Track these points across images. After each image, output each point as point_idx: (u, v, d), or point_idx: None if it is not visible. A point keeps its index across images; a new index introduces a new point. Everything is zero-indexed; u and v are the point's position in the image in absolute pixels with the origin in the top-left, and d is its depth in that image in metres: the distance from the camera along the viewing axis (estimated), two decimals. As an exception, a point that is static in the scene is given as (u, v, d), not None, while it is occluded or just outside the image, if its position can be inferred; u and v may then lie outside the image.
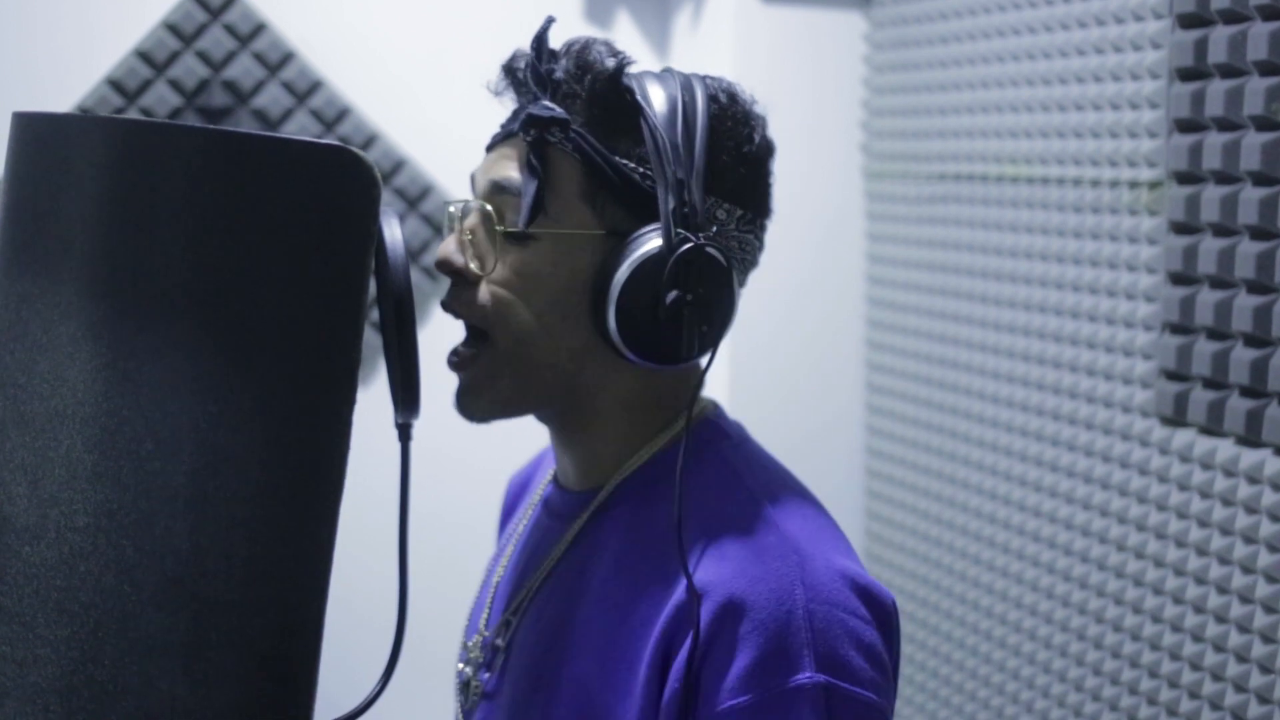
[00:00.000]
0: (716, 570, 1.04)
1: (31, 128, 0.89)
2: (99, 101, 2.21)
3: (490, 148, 1.17)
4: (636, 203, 1.09)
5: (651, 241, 1.07)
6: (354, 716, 0.97)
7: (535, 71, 1.12)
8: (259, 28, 2.30)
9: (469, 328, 1.15)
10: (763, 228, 1.18)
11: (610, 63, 1.11)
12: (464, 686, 1.23)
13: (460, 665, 1.25)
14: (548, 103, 1.10)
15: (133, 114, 2.22)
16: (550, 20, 1.14)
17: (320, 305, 0.87)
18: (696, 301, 1.07)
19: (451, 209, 1.17)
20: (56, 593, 0.85)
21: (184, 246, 0.84)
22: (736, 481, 1.13)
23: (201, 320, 0.85)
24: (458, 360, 1.15)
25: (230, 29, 2.28)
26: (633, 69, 1.13)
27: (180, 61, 2.26)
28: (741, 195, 1.13)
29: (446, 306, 1.15)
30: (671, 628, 1.04)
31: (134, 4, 2.24)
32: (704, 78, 1.15)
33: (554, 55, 1.13)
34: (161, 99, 2.24)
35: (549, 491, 1.25)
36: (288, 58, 2.32)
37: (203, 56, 2.27)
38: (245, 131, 0.86)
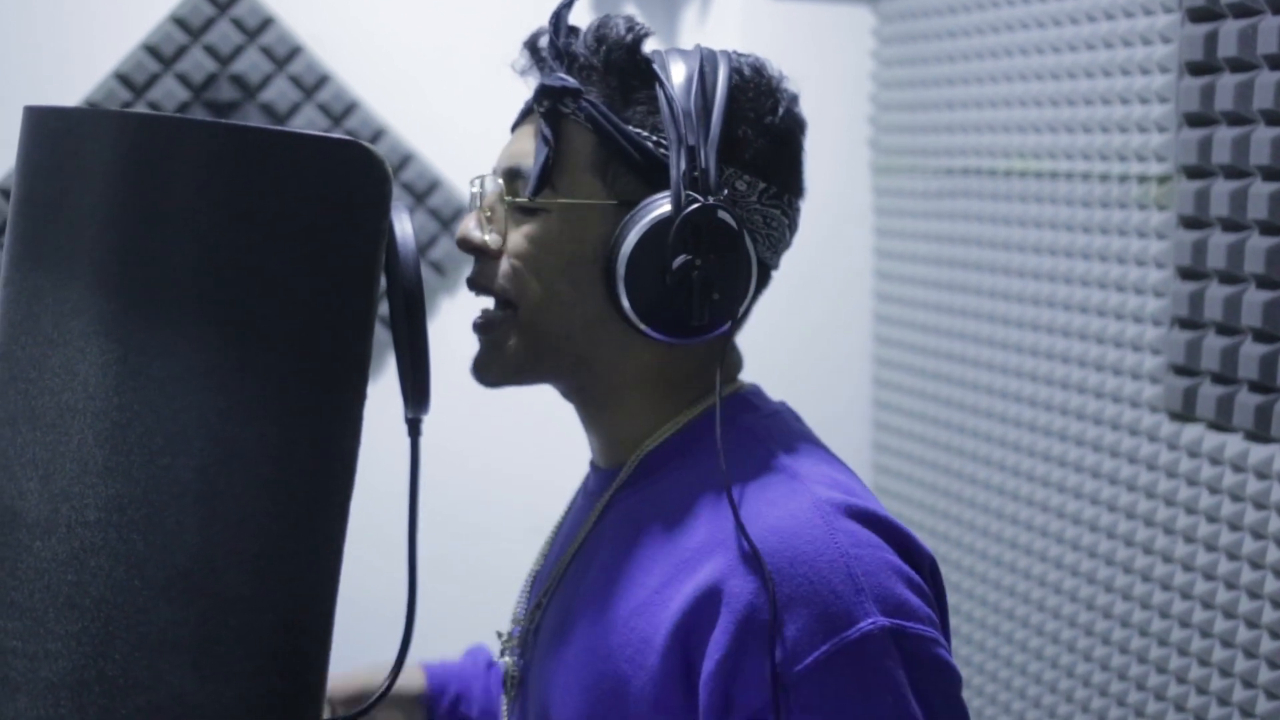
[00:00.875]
0: (749, 534, 1.01)
1: (42, 122, 0.88)
2: (107, 96, 2.21)
3: (514, 127, 1.18)
4: (650, 172, 1.09)
5: (661, 207, 1.06)
6: (364, 712, 0.97)
7: (553, 46, 1.12)
8: (267, 21, 2.30)
9: (497, 299, 1.15)
10: (793, 206, 1.15)
11: (627, 34, 1.11)
12: (506, 677, 1.22)
13: (503, 659, 1.24)
14: (561, 74, 1.11)
15: (140, 108, 2.22)
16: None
17: (331, 300, 0.87)
18: (706, 267, 1.06)
19: (474, 188, 1.17)
20: (67, 587, 0.85)
21: (194, 241, 0.84)
22: (757, 444, 1.10)
23: (212, 315, 0.85)
24: (482, 321, 1.15)
25: (238, 23, 2.28)
26: (654, 44, 1.13)
27: (188, 55, 2.26)
28: (764, 168, 1.11)
29: (471, 282, 1.16)
30: (701, 601, 1.01)
31: (142, -2, 2.24)
32: (731, 53, 1.14)
33: (573, 30, 1.13)
34: (169, 93, 2.24)
35: (588, 476, 1.24)
36: (295, 52, 2.32)
37: (210, 50, 2.27)
38: (257, 126, 0.86)
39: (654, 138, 1.09)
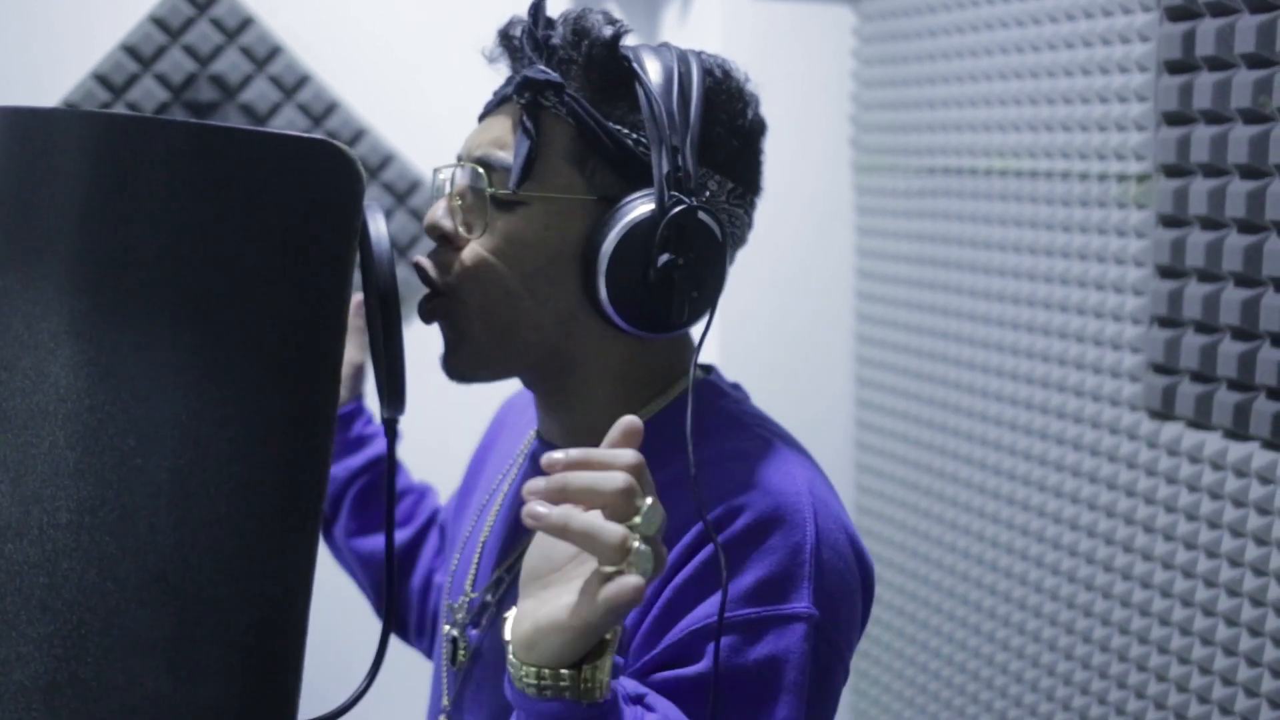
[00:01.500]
0: (735, 500, 1.05)
1: (12, 122, 0.88)
2: (86, 96, 2.21)
3: (483, 116, 1.17)
4: (629, 169, 1.10)
5: (643, 206, 1.08)
6: (341, 712, 0.97)
7: (532, 37, 1.12)
8: (246, 22, 2.29)
9: (429, 285, 1.14)
10: (752, 205, 1.18)
11: (607, 30, 1.11)
12: (451, 647, 1.22)
13: (446, 628, 1.24)
14: (543, 67, 1.11)
15: (120, 109, 2.22)
16: None
17: (303, 300, 0.86)
18: (688, 266, 1.08)
19: (441, 175, 1.17)
20: (39, 590, 0.84)
21: (165, 241, 0.84)
22: (742, 426, 1.14)
23: (183, 316, 0.84)
24: (427, 309, 1.15)
25: (217, 23, 2.27)
26: (629, 40, 1.13)
27: (167, 56, 2.25)
28: (733, 169, 1.14)
29: (419, 267, 1.14)
30: (686, 548, 1.05)
31: (120, -2, 2.23)
32: (699, 53, 1.15)
33: (550, 22, 1.13)
34: (148, 93, 2.24)
35: (535, 448, 1.24)
36: (275, 52, 2.32)
37: (190, 51, 2.26)
38: (226, 125, 0.86)
39: (634, 135, 1.10)
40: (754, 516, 1.04)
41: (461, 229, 1.13)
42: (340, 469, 1.47)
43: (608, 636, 0.91)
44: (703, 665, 1.00)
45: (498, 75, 1.21)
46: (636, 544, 0.87)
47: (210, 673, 0.86)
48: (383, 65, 2.41)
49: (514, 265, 1.11)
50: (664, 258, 1.07)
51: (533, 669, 0.91)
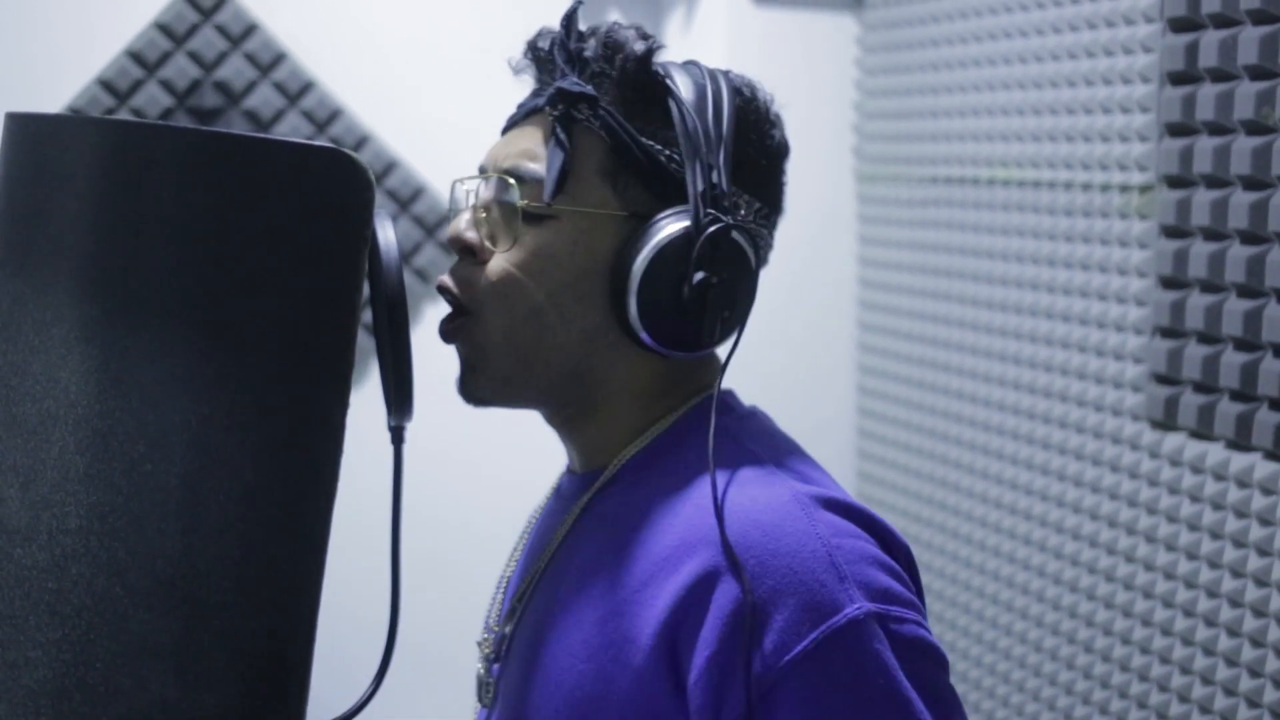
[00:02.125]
0: (730, 529, 1.01)
1: (24, 128, 0.88)
2: (90, 102, 2.21)
3: (508, 127, 1.16)
4: (661, 185, 1.08)
5: (676, 223, 1.06)
6: (350, 715, 0.97)
7: (564, 48, 1.11)
8: (251, 28, 2.30)
9: (453, 304, 1.12)
10: (775, 225, 1.18)
11: (640, 45, 1.10)
12: (480, 685, 1.21)
13: (478, 666, 1.23)
14: (576, 79, 1.09)
15: (124, 114, 2.22)
16: (580, 1, 1.13)
17: (314, 307, 0.86)
18: (722, 285, 1.07)
19: (465, 186, 1.15)
20: (48, 595, 0.84)
21: (176, 249, 0.84)
22: (733, 442, 1.11)
23: (194, 322, 0.84)
24: (448, 329, 1.13)
25: (222, 29, 2.28)
26: (662, 55, 1.13)
27: (172, 62, 2.25)
28: (761, 189, 1.13)
29: (441, 284, 1.12)
30: (687, 597, 1.00)
31: (125, 4, 2.24)
32: (726, 72, 1.15)
33: (583, 35, 1.12)
34: (153, 99, 2.24)
35: (561, 479, 1.24)
36: (279, 58, 2.32)
37: (194, 57, 2.27)
38: (239, 133, 0.86)
39: (667, 151, 1.09)
40: (756, 556, 0.99)
41: (487, 242, 1.11)
42: None
43: None
44: (784, 713, 0.96)
45: (502, 82, 1.20)
46: None
47: (218, 679, 0.86)
48: (386, 72, 2.41)
49: (541, 281, 1.09)
50: (699, 276, 1.05)
51: None
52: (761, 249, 1.14)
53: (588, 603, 1.08)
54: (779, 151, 1.16)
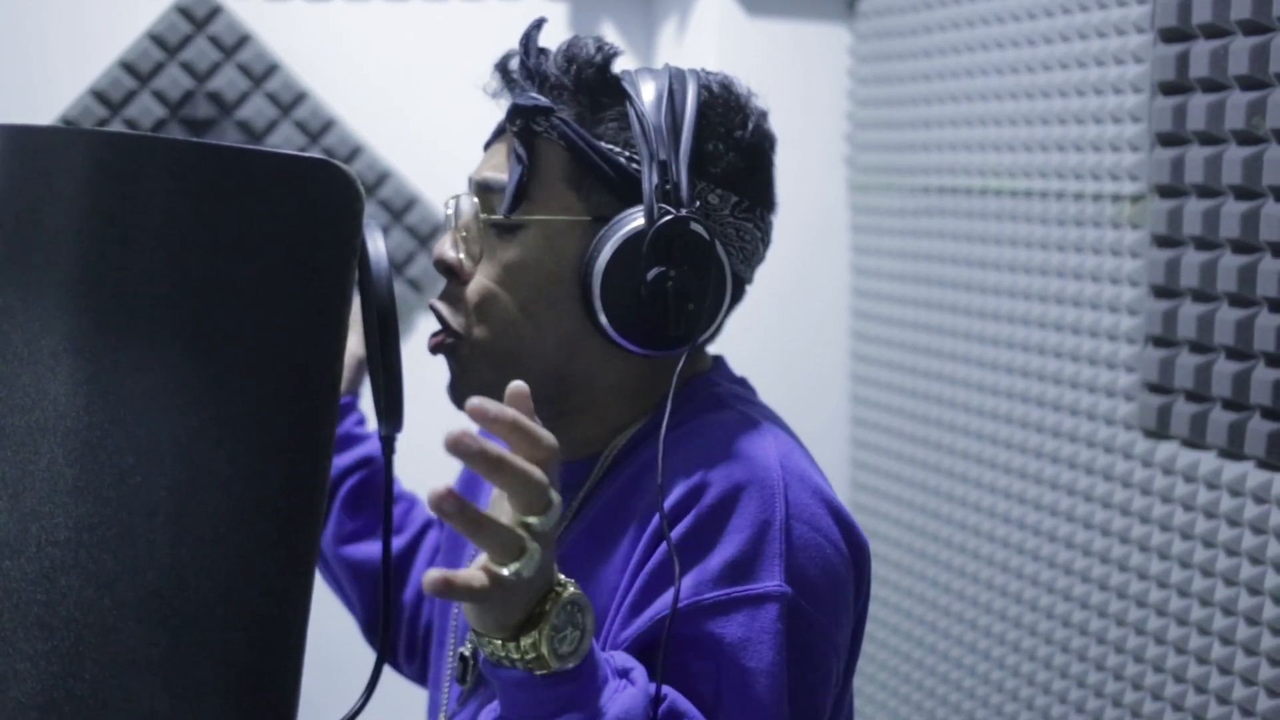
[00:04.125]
0: (704, 473, 1.06)
1: (13, 140, 0.88)
2: (83, 112, 2.21)
3: (486, 146, 1.19)
4: (623, 187, 1.11)
5: (635, 220, 1.08)
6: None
7: (524, 66, 1.14)
8: (244, 39, 2.30)
9: (442, 325, 1.16)
10: (765, 219, 1.18)
11: (595, 54, 1.13)
12: (461, 665, 1.22)
13: (460, 649, 1.24)
14: (533, 93, 1.12)
15: (117, 125, 2.22)
16: (541, 20, 1.16)
17: (303, 319, 0.86)
18: (680, 278, 1.08)
19: (448, 209, 1.18)
20: (37, 607, 0.84)
21: (165, 260, 0.84)
22: (722, 406, 1.15)
23: (183, 334, 0.84)
24: (434, 344, 1.16)
25: (215, 40, 2.28)
26: (624, 64, 1.15)
27: (164, 73, 2.25)
28: (736, 182, 1.14)
29: (432, 305, 1.17)
30: (655, 534, 1.06)
31: (118, 14, 2.24)
32: (699, 71, 1.16)
33: (543, 52, 1.15)
34: (146, 110, 2.24)
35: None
36: (272, 69, 2.32)
37: (187, 68, 2.27)
38: (227, 144, 0.86)
39: (626, 153, 1.11)
40: (718, 493, 1.05)
41: (465, 259, 1.14)
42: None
43: (545, 607, 0.92)
44: (688, 650, 1.01)
45: (491, 101, 1.22)
46: (531, 545, 0.87)
47: (207, 691, 0.86)
48: (380, 83, 2.41)
49: (514, 291, 1.12)
50: (654, 271, 1.07)
51: (484, 639, 0.93)
52: (745, 243, 1.16)
53: (591, 578, 1.11)
54: (754, 143, 1.16)
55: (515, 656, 0.92)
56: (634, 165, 1.10)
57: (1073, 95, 1.91)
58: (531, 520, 0.88)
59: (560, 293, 1.11)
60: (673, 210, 1.07)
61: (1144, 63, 1.77)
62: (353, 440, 1.46)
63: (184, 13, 2.26)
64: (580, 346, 1.13)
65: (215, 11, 2.28)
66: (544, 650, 0.92)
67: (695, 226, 1.08)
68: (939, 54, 2.25)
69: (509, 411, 0.88)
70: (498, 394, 1.13)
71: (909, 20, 2.33)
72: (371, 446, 1.47)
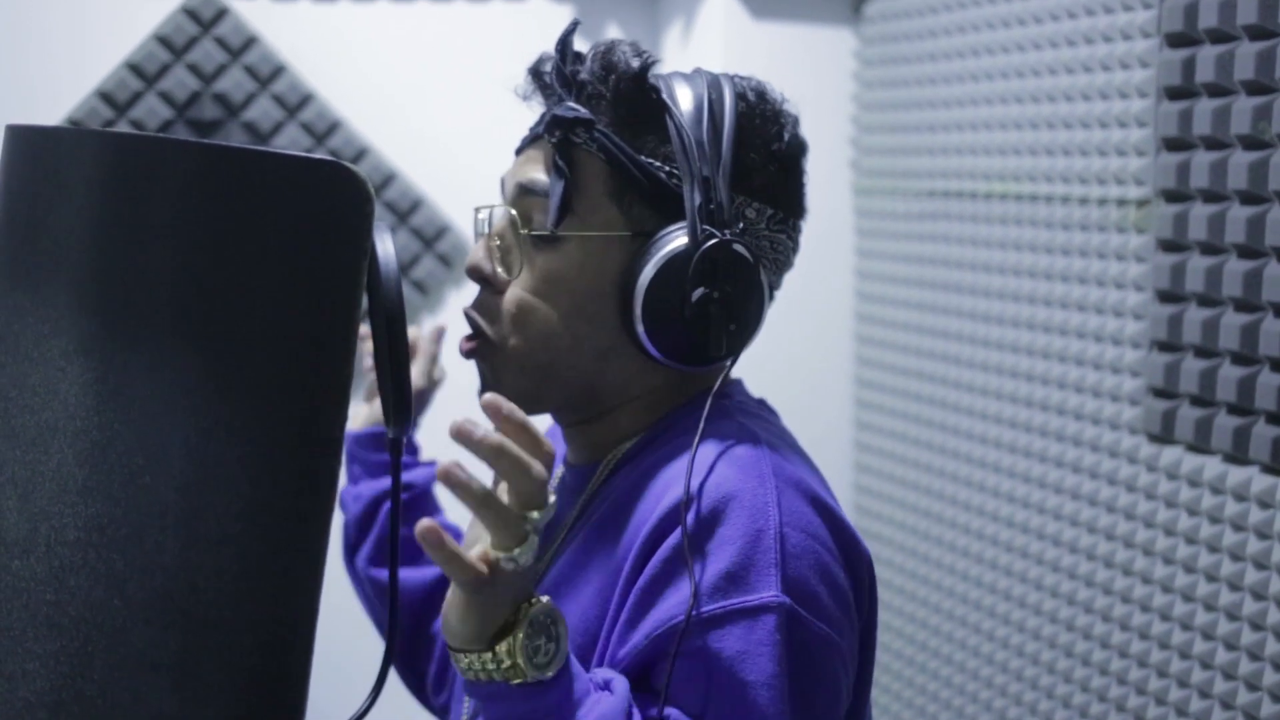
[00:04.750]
0: (696, 480, 1.05)
1: (24, 141, 0.88)
2: (89, 113, 2.21)
3: (519, 151, 1.18)
4: (663, 202, 1.10)
5: (677, 240, 1.08)
6: None
7: (560, 73, 1.12)
8: (250, 41, 2.30)
9: (476, 332, 1.15)
10: (796, 228, 1.18)
11: (634, 62, 1.11)
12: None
13: None
14: (572, 104, 1.11)
15: (123, 126, 2.22)
16: (576, 23, 1.15)
17: (313, 320, 0.86)
18: (724, 299, 1.08)
19: (480, 215, 1.17)
20: (46, 607, 0.84)
21: (175, 261, 0.84)
22: (726, 418, 1.13)
23: (193, 335, 0.84)
24: (468, 348, 1.16)
25: (221, 42, 2.28)
26: (659, 69, 1.13)
27: (171, 74, 2.26)
28: (772, 194, 1.14)
29: (468, 314, 1.16)
30: (655, 532, 1.05)
31: (125, 16, 2.24)
32: (733, 77, 1.15)
33: (579, 57, 1.13)
34: (152, 111, 2.24)
35: (564, 475, 1.25)
36: (279, 71, 2.33)
37: (193, 69, 2.27)
38: (238, 146, 0.86)
39: (666, 168, 1.10)
40: (708, 503, 1.03)
41: (500, 269, 1.14)
42: (368, 488, 1.47)
43: (518, 616, 0.92)
44: (680, 664, 1.00)
45: (500, 96, 1.21)
46: (532, 536, 0.89)
47: (215, 692, 0.86)
48: (385, 84, 2.42)
49: (554, 304, 1.11)
50: (699, 292, 1.07)
51: (460, 655, 0.94)
52: (778, 254, 1.15)
53: (583, 582, 1.11)
54: (790, 153, 1.16)
55: (491, 668, 0.93)
56: (674, 180, 1.09)
57: (1078, 100, 1.91)
58: (530, 514, 0.89)
59: (599, 307, 1.11)
60: (718, 234, 1.07)
61: (1150, 68, 1.77)
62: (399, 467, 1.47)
63: (190, 14, 2.26)
64: (614, 359, 1.13)
65: (222, 13, 2.28)
66: (519, 659, 0.92)
67: (738, 248, 1.08)
68: (944, 58, 2.25)
69: (519, 412, 0.89)
70: (530, 403, 1.14)
71: (914, 24, 2.33)
72: (416, 474, 1.47)
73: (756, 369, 2.46)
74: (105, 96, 2.22)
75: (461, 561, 0.88)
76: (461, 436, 0.86)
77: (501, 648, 0.92)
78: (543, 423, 1.20)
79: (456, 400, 1.19)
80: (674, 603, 1.01)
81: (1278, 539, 1.56)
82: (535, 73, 1.15)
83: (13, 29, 2.20)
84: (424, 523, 0.87)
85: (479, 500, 0.87)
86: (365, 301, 0.93)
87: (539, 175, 1.12)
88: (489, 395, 0.90)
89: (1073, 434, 1.95)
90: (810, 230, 2.65)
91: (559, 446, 1.29)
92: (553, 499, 0.90)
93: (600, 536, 1.12)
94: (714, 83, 1.12)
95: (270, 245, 0.85)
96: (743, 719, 0.99)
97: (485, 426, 0.89)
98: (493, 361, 1.14)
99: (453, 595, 0.93)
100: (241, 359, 0.85)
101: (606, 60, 1.11)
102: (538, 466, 0.89)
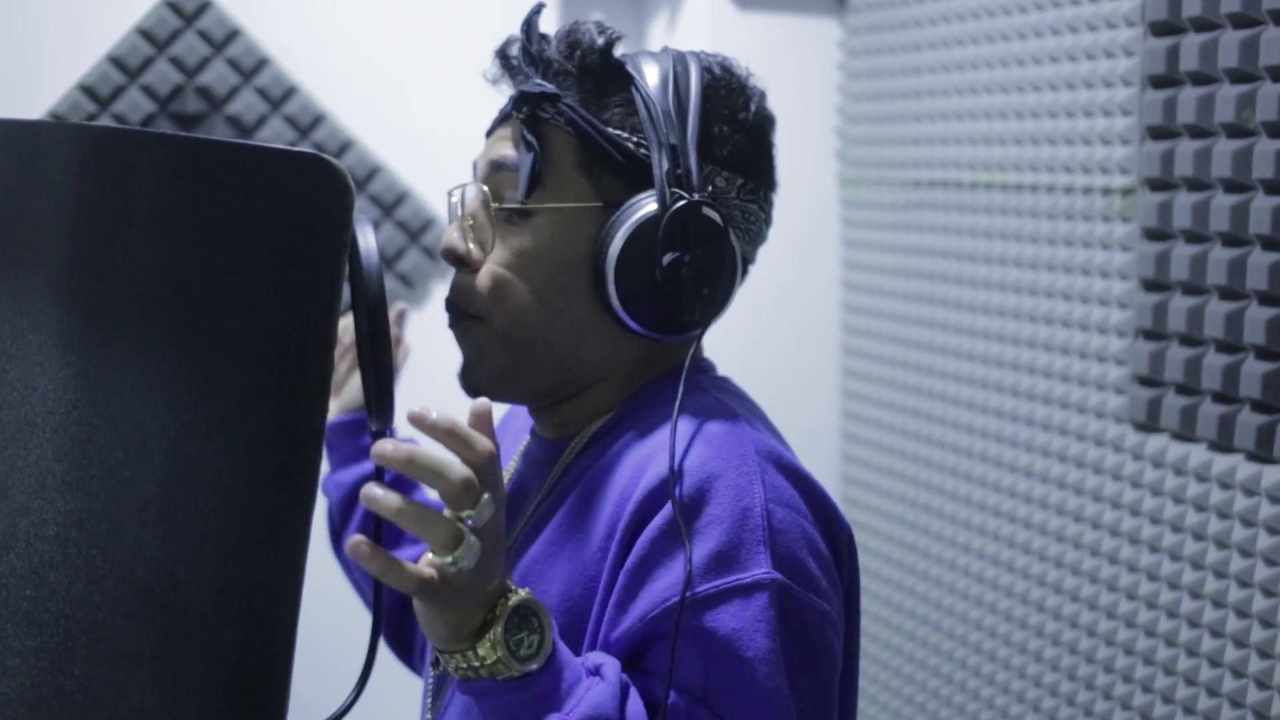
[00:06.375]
0: (677, 460, 1.05)
1: (3, 134, 0.88)
2: (72, 107, 2.20)
3: (489, 133, 1.18)
4: (633, 173, 1.10)
5: (647, 206, 1.08)
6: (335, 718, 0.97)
7: (527, 53, 1.13)
8: (233, 34, 2.30)
9: (455, 312, 1.15)
10: (767, 200, 1.18)
11: (599, 39, 1.12)
12: (435, 656, 1.22)
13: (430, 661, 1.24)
14: (538, 80, 1.12)
15: (106, 120, 2.22)
16: (541, 5, 1.16)
17: (293, 314, 0.86)
18: (695, 263, 1.08)
19: (453, 198, 1.17)
20: (26, 603, 0.84)
21: (154, 255, 0.84)
22: (703, 394, 1.14)
23: (172, 329, 0.84)
24: (453, 321, 1.17)
25: (204, 35, 2.28)
26: (625, 49, 1.15)
27: (154, 67, 2.25)
28: (740, 164, 1.14)
29: (450, 304, 1.16)
30: (640, 511, 1.05)
31: (108, 9, 2.23)
32: (699, 53, 1.16)
33: (544, 37, 1.15)
34: (135, 105, 2.23)
35: (530, 445, 1.25)
36: (262, 64, 2.32)
37: (176, 62, 2.26)
38: (217, 139, 0.85)
39: (634, 138, 1.11)
40: (692, 482, 1.04)
41: (474, 248, 1.14)
42: (347, 475, 1.48)
43: (496, 612, 0.93)
44: (677, 645, 1.00)
45: (485, 87, 1.21)
46: (470, 538, 0.88)
47: (196, 687, 0.86)
48: (370, 77, 2.41)
49: (528, 279, 1.12)
50: (669, 256, 1.07)
51: (447, 656, 0.94)
52: (750, 225, 1.16)
53: (563, 559, 1.11)
54: (757, 124, 1.16)
55: (477, 664, 0.93)
56: (642, 150, 1.10)
57: (1063, 89, 1.91)
58: (462, 514, 0.89)
59: (573, 279, 1.11)
60: (685, 195, 1.07)
61: (1134, 56, 1.77)
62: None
63: (173, 8, 2.26)
64: (590, 331, 1.13)
65: (204, 6, 2.27)
66: (501, 653, 0.93)
67: (708, 211, 1.08)
68: (929, 48, 2.25)
69: (445, 420, 0.89)
70: (511, 379, 1.14)
71: (899, 14, 2.33)
72: None
73: (743, 359, 2.46)
74: (88, 90, 2.21)
75: (402, 571, 0.87)
76: (379, 456, 0.87)
77: (483, 645, 0.93)
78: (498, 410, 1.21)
79: (441, 383, 1.18)
80: (666, 584, 1.02)
81: (1263, 526, 1.56)
82: (502, 55, 1.16)
83: (-6, 22, 2.19)
84: (354, 539, 0.87)
85: (394, 513, 0.87)
86: (347, 294, 0.93)
87: (509, 151, 1.13)
88: (413, 410, 0.89)
89: (1058, 422, 1.95)
90: (796, 220, 2.66)
91: (524, 422, 1.30)
92: (486, 498, 0.90)
93: (579, 512, 1.12)
94: (679, 57, 1.14)
95: (249, 238, 0.85)
96: (743, 695, 1.00)
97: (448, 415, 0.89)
98: (475, 339, 1.15)
99: (416, 601, 0.93)
100: (221, 352, 0.85)
101: (572, 38, 1.13)
102: (458, 469, 0.88)
